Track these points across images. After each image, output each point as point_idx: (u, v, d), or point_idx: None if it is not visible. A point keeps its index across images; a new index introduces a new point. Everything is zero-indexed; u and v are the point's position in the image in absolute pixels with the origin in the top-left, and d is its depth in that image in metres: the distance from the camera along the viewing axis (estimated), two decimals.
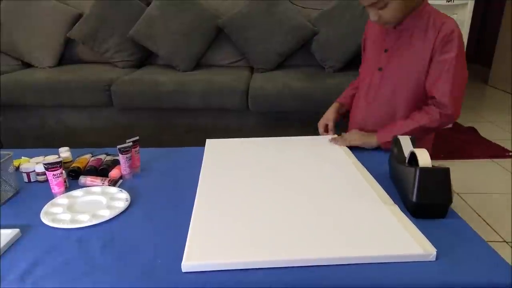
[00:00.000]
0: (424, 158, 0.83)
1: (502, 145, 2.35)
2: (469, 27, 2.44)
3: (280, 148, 1.20)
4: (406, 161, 0.90)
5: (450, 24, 1.06)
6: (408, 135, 0.98)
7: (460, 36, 1.07)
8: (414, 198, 0.80)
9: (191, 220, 0.79)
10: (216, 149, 1.19)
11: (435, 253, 0.67)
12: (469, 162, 2.16)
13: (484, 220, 1.60)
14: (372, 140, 1.16)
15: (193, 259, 0.67)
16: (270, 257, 0.68)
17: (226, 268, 0.66)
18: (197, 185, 0.94)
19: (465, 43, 2.48)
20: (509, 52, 3.53)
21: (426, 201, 0.81)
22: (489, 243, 0.72)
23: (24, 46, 2.36)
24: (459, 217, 0.82)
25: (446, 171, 0.81)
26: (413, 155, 0.87)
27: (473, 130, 2.61)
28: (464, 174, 2.00)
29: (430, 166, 0.82)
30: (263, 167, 1.06)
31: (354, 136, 1.19)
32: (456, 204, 0.82)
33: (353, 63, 2.13)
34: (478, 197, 1.78)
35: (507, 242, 1.46)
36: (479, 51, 4.70)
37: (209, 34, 2.29)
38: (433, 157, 0.84)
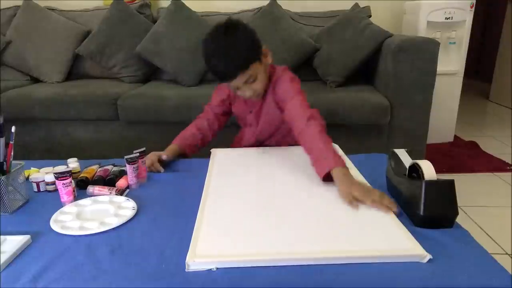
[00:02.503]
0: (428, 169, 0.85)
1: (503, 159, 2.36)
2: (467, 43, 2.49)
3: (283, 155, 1.23)
4: (406, 173, 0.92)
5: (281, 72, 1.27)
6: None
7: (287, 79, 1.24)
8: (421, 211, 0.81)
9: (196, 219, 0.83)
10: (220, 158, 1.22)
11: (427, 255, 0.70)
12: (470, 175, 2.17)
13: (486, 233, 1.61)
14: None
15: (197, 256, 0.70)
16: (270, 256, 0.71)
17: (228, 266, 0.69)
18: (201, 194, 0.97)
19: (464, 60, 2.53)
20: (509, 67, 3.58)
21: (434, 214, 0.82)
22: (493, 255, 0.73)
23: (33, 61, 2.43)
24: (460, 226, 0.84)
25: (451, 183, 0.82)
26: (413, 167, 0.89)
27: (474, 144, 2.63)
28: (466, 187, 2.02)
29: (435, 177, 0.84)
30: (267, 173, 1.10)
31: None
32: (459, 217, 0.84)
33: (354, 78, 2.17)
34: (480, 210, 1.79)
35: (508, 254, 1.47)
36: (480, 67, 4.75)
37: None
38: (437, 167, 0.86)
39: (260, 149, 1.30)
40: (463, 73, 2.55)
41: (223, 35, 1.13)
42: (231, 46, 1.11)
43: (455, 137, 2.72)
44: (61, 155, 1.64)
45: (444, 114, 2.57)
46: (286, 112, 1.19)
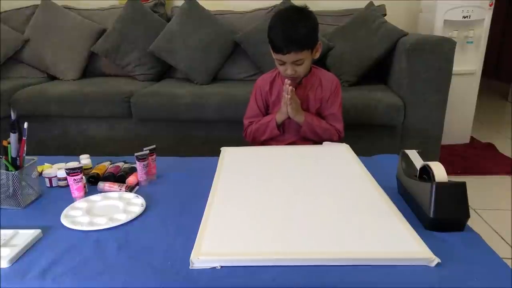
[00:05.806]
0: (439, 171, 0.83)
1: None
2: (486, 42, 2.43)
3: (294, 154, 1.23)
4: (417, 175, 0.91)
5: (335, 78, 1.48)
6: (321, 130, 1.39)
7: (340, 84, 1.49)
8: (431, 214, 0.80)
9: (203, 218, 0.84)
10: (230, 157, 1.22)
11: (435, 258, 0.68)
12: (486, 178, 2.13)
13: (501, 237, 1.57)
14: (300, 118, 1.38)
15: (201, 254, 0.71)
16: (275, 255, 0.71)
17: (232, 265, 0.70)
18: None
19: (482, 59, 2.47)
20: None
21: (444, 216, 0.80)
22: (506, 260, 0.71)
23: (50, 59, 2.47)
24: (471, 230, 0.82)
25: (462, 186, 0.80)
26: (424, 169, 0.88)
27: (490, 146, 2.57)
28: (481, 190, 1.97)
29: (446, 180, 0.82)
30: (275, 172, 1.09)
31: (294, 106, 1.35)
32: (473, 220, 0.81)
33: (367, 77, 2.15)
34: (495, 214, 1.75)
35: None
36: (499, 67, 4.64)
37: (226, 49, 2.35)
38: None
39: (269, 148, 1.30)
40: (480, 73, 2.49)
41: (298, 11, 1.31)
42: (300, 23, 1.27)
43: (471, 138, 2.66)
44: (75, 152, 1.66)
45: (460, 114, 2.52)
46: (329, 116, 1.44)
